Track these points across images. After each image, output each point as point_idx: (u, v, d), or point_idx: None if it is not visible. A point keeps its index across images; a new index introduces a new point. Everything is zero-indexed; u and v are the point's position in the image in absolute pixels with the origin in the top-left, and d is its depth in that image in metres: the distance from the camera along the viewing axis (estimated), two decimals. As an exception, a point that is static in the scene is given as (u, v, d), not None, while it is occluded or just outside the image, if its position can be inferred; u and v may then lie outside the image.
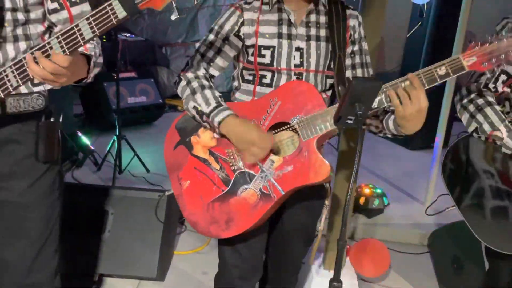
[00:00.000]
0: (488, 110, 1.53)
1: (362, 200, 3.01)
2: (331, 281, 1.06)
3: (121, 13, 1.04)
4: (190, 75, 1.45)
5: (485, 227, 1.58)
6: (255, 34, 1.43)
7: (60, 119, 1.42)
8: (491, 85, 1.55)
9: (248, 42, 1.44)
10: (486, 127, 1.53)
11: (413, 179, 3.73)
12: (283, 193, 1.37)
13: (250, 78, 1.49)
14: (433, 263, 2.63)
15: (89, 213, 2.28)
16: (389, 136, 1.40)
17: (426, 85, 1.26)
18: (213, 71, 1.48)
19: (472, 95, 1.57)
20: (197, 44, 1.51)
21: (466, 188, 1.62)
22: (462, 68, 1.25)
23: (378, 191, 3.11)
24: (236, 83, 1.55)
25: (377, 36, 2.03)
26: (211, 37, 1.46)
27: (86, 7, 1.31)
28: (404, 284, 2.54)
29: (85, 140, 3.58)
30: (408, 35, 4.64)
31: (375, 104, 1.28)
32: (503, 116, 1.52)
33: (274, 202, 1.38)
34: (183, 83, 1.45)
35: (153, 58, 5.19)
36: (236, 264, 1.57)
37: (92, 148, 3.61)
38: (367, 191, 3.05)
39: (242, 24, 1.43)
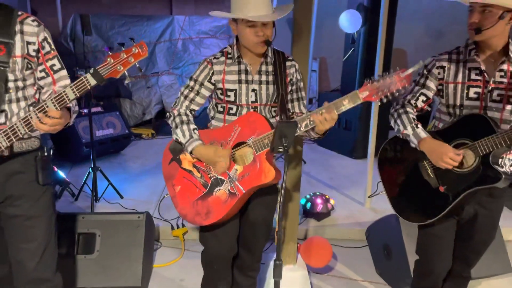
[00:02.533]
0: (403, 116, 2.04)
1: (312, 206, 3.53)
2: (275, 260, 1.54)
3: (93, 81, 1.62)
4: (175, 112, 2.05)
5: (400, 202, 2.12)
6: (222, 81, 2.02)
7: (51, 153, 1.90)
8: (412, 101, 2.08)
9: (218, 86, 2.03)
10: (401, 128, 2.03)
11: (356, 184, 4.30)
12: (244, 191, 1.94)
13: (222, 109, 2.07)
14: (371, 253, 3.16)
15: (79, 237, 2.67)
16: (313, 138, 2.00)
17: (336, 111, 1.81)
18: (194, 107, 2.08)
19: (397, 106, 2.10)
20: (182, 88, 2.10)
21: (392, 172, 2.16)
22: (357, 99, 1.79)
23: (326, 197, 3.64)
24: (212, 114, 2.13)
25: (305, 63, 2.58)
26: (191, 83, 2.06)
27: (63, 72, 1.85)
28: (349, 273, 3.06)
29: (61, 173, 3.89)
30: (343, 59, 5.29)
31: (303, 128, 1.84)
32: (412, 121, 2.02)
33: (238, 198, 1.94)
34: (171, 118, 2.06)
35: (116, 91, 5.55)
36: (215, 245, 2.14)
37: (68, 180, 3.93)
38: (318, 200, 3.58)
39: (213, 74, 2.02)
